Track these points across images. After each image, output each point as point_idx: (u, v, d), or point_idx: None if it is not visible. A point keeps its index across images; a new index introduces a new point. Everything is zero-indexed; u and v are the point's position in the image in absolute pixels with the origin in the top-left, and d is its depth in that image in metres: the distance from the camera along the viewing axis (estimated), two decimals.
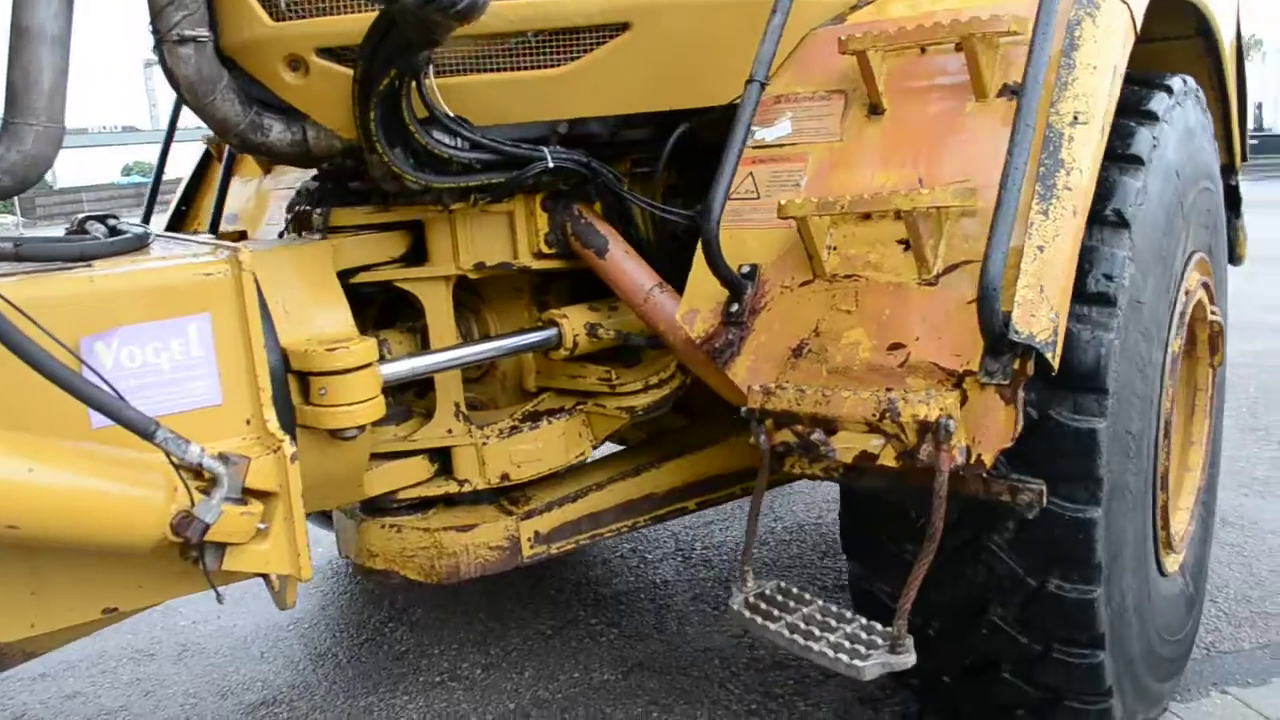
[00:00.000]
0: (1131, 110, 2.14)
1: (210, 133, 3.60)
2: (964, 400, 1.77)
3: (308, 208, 2.57)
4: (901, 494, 1.97)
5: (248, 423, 1.93)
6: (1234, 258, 3.28)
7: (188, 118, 3.32)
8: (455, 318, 2.51)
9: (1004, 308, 1.73)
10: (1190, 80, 2.46)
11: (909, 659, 1.78)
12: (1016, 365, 1.74)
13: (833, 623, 1.89)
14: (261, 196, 3.31)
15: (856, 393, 1.84)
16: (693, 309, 2.16)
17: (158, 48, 2.16)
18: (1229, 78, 3.04)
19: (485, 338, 2.61)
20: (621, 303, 2.48)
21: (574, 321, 2.48)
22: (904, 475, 1.83)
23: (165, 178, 3.69)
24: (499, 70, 2.25)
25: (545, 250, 2.44)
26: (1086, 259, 1.93)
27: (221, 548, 1.82)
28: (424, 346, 2.50)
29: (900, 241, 1.95)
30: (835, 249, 2.03)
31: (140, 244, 2.03)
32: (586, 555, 3.92)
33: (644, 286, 2.36)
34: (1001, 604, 2.08)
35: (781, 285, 2.08)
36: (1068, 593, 2.01)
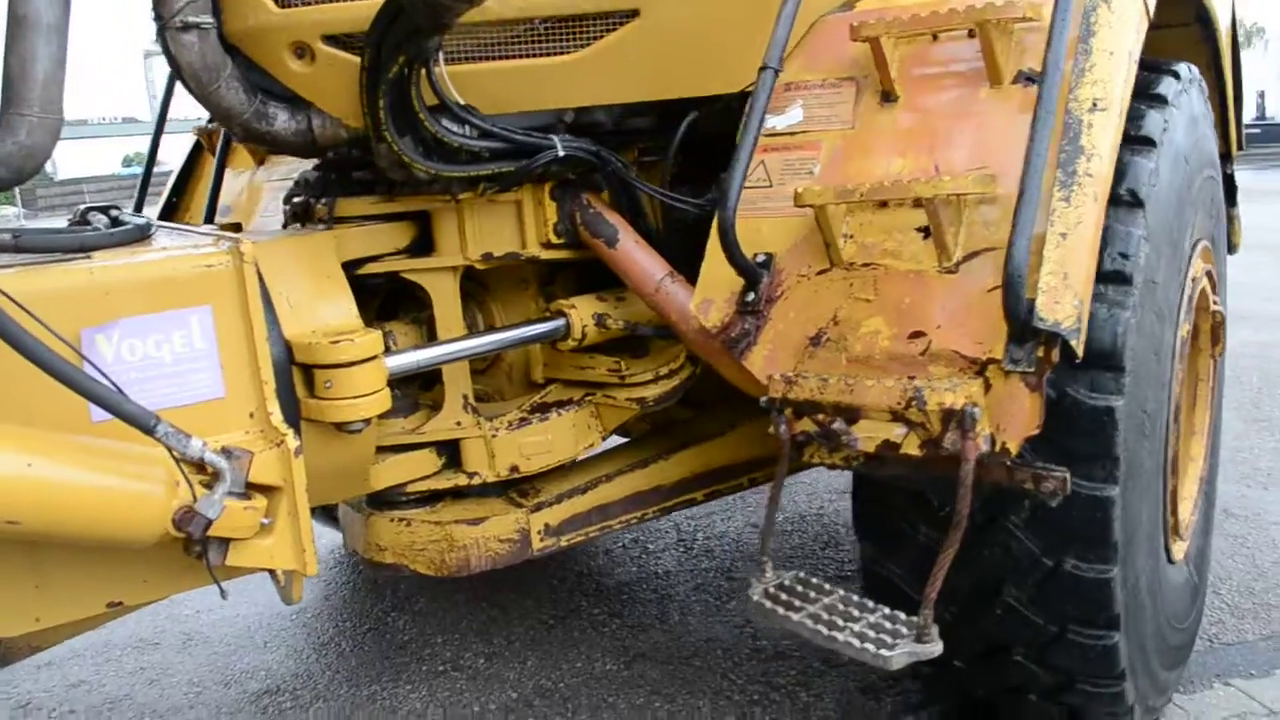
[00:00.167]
0: (1141, 94, 2.13)
1: (201, 123, 3.57)
2: (987, 388, 1.76)
3: (309, 198, 2.54)
4: (921, 482, 1.96)
5: (251, 416, 1.91)
6: (1230, 246, 3.30)
7: (179, 108, 3.27)
8: (461, 309, 2.48)
9: (1028, 295, 1.72)
10: (1194, 68, 2.46)
11: (936, 648, 1.78)
12: (1041, 353, 1.74)
13: (855, 612, 1.88)
14: (255, 188, 3.26)
15: (880, 381, 1.83)
16: (707, 298, 2.14)
17: (160, 35, 2.11)
18: (1226, 65, 3.05)
19: (492, 329, 2.58)
20: (629, 292, 2.46)
21: (582, 312, 2.46)
22: (925, 464, 1.82)
23: (157, 169, 3.63)
24: (505, 58, 2.23)
25: (554, 240, 2.41)
26: (1102, 238, 1.91)
27: (225, 543, 1.79)
28: (430, 338, 2.46)
29: (919, 229, 1.93)
30: (852, 237, 2.01)
31: (141, 235, 2.00)
32: (588, 546, 3.90)
33: (655, 276, 2.34)
34: (1016, 585, 2.07)
35: (798, 274, 2.06)
36: (1084, 572, 2.00)
